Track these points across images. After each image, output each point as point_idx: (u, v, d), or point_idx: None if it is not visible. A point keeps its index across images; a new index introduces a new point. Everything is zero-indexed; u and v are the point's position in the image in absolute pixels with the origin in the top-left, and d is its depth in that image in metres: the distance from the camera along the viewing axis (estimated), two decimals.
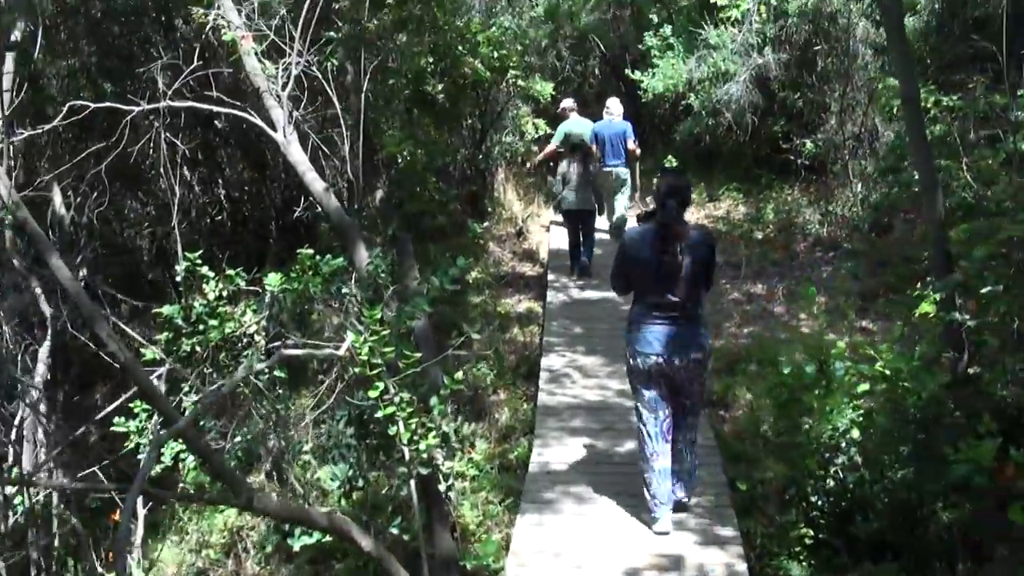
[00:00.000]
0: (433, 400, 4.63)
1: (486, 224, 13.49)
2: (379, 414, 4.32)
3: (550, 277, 11.82)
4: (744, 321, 10.45)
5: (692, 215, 14.93)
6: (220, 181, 12.35)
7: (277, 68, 6.51)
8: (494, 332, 10.63)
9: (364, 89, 6.52)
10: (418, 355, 4.54)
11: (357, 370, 4.35)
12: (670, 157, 14.64)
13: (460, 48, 7.82)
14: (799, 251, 12.67)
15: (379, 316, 4.36)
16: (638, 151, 12.42)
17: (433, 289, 4.57)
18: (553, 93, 13.72)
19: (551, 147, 12.39)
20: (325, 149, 6.77)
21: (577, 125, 12.12)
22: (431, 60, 7.35)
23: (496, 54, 10.31)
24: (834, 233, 12.76)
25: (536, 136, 13.96)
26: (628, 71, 15.36)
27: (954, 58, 9.01)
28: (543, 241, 14.14)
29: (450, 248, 7.77)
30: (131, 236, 13.11)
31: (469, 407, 9.05)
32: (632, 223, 11.58)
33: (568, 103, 12.71)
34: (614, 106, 11.85)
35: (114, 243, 12.05)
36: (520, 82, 10.70)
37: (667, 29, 14.93)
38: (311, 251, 5.80)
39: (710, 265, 5.33)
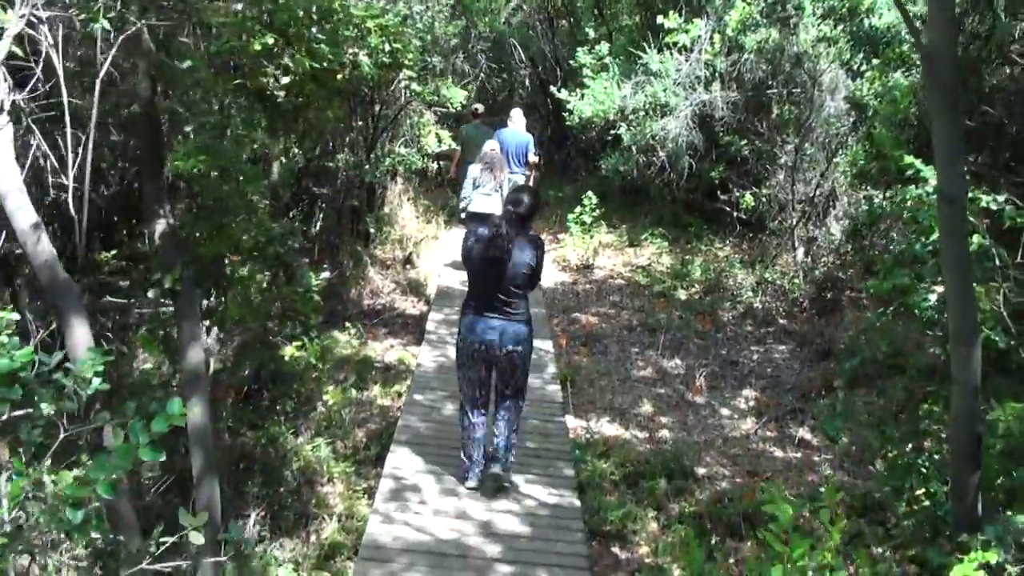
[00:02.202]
0: None
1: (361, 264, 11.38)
2: None
3: (429, 325, 9.73)
4: (656, 411, 8.52)
5: (610, 261, 13.07)
6: None
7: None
8: (347, 390, 8.53)
9: (152, 74, 4.32)
10: None
11: None
12: (590, 193, 12.71)
13: (314, 31, 5.65)
14: (727, 322, 10.85)
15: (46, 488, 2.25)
16: (539, 162, 12.98)
17: (122, 455, 2.46)
18: (463, 102, 11.66)
19: (458, 152, 12.50)
20: (51, 160, 4.47)
21: (477, 129, 12.34)
22: (270, 42, 5.17)
23: (388, 47, 8.18)
24: (769, 306, 10.98)
25: (438, 149, 11.87)
26: (554, 89, 13.39)
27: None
28: (433, 273, 12.09)
29: (272, 303, 5.57)
30: None
31: (295, 499, 6.92)
32: None
33: (477, 107, 13.40)
34: (517, 116, 12.07)
35: None
36: (415, 86, 8.60)
37: (603, 47, 13.00)
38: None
39: (536, 268, 5.65)
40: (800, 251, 11.10)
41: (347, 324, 10.22)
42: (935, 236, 4.44)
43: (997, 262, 4.22)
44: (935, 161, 3.57)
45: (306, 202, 13.65)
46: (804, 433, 8.09)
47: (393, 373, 9.31)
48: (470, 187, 10.34)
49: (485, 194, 10.20)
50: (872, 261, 8.93)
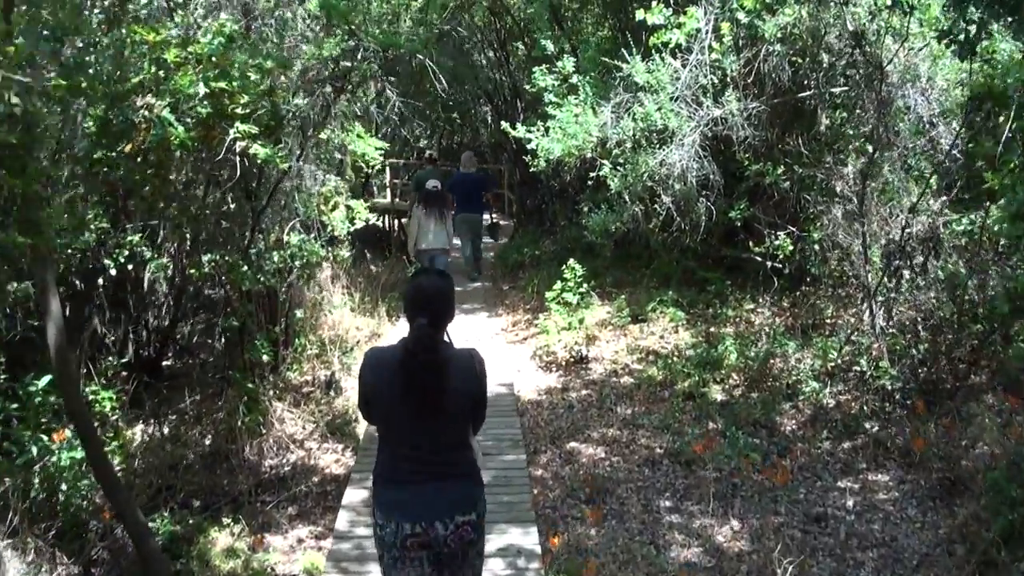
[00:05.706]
0: None
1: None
2: None
3: (341, 521, 6.23)
4: None
5: (610, 347, 9.67)
6: None
7: None
8: None
9: None
10: None
11: None
12: (572, 263, 9.34)
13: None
14: (791, 435, 7.43)
15: None
16: (490, 200, 13.84)
17: None
18: (379, 157, 8.32)
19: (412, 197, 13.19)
20: None
21: (429, 173, 12.93)
22: None
23: (204, 89, 4.84)
24: (846, 402, 7.58)
25: (350, 228, 8.45)
26: (507, 125, 10.01)
27: None
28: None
29: None
30: None
31: None
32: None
33: (432, 153, 15.44)
34: (467, 159, 13.04)
35: None
36: (257, 148, 5.24)
37: (568, 62, 9.65)
38: None
39: (479, 400, 3.78)
40: (880, 317, 7.69)
41: (230, 515, 6.78)
42: None
43: None
44: None
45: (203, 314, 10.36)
46: None
47: None
48: (415, 227, 10.91)
49: (431, 231, 10.81)
50: None
